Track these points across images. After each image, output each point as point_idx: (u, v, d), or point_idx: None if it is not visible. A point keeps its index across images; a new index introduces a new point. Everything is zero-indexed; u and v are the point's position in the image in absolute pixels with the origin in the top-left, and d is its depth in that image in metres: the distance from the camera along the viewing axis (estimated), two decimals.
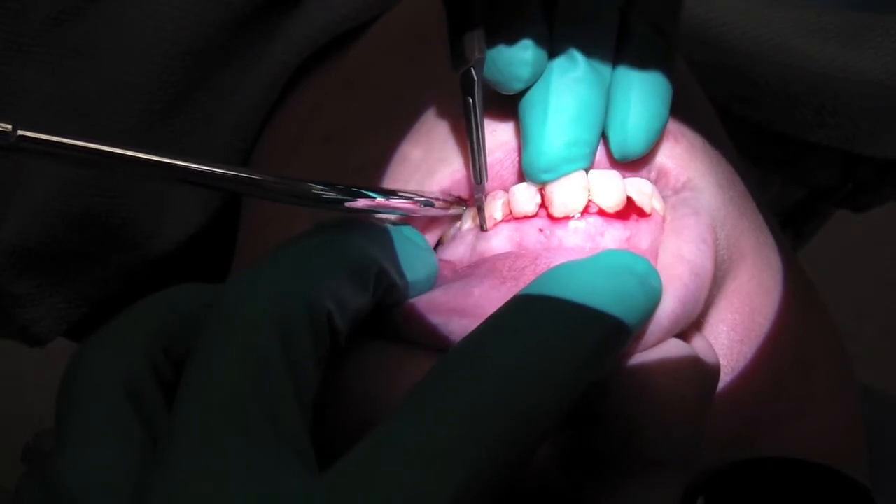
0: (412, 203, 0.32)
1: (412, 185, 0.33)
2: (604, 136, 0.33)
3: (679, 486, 0.29)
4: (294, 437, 0.24)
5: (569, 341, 0.25)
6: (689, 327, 0.31)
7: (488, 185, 0.33)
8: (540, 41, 0.32)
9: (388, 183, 0.34)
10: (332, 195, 0.29)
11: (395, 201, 0.31)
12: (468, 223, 0.34)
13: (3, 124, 0.25)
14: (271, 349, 0.24)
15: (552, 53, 0.32)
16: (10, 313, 0.45)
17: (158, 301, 0.28)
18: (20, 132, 0.25)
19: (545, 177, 0.32)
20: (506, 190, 0.33)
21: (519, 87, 0.32)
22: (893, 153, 0.49)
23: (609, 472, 0.29)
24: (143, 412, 0.26)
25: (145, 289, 0.44)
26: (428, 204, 0.32)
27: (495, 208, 0.33)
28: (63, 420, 0.25)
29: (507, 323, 0.26)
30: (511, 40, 0.31)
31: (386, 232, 0.30)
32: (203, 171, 0.27)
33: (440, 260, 0.34)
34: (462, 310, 0.30)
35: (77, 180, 0.43)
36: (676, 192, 0.34)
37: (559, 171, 0.32)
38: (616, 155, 0.33)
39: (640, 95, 0.32)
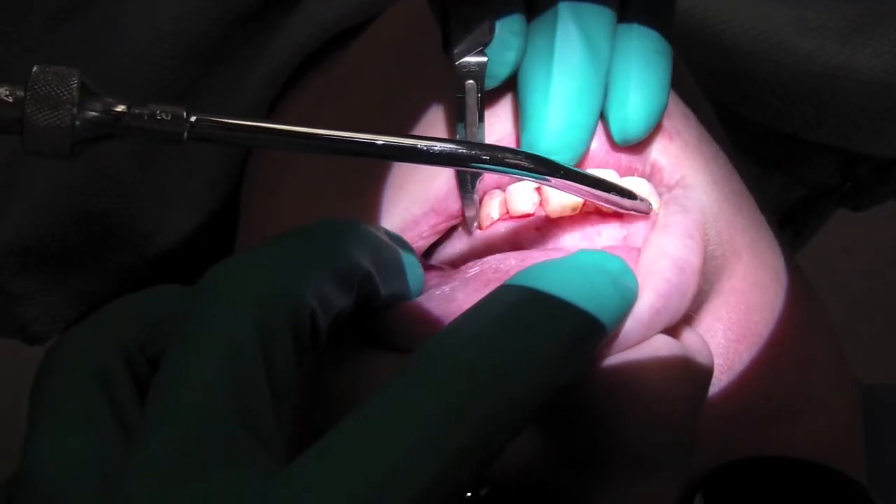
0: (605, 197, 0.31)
1: (409, 190, 0.33)
2: (602, 124, 0.33)
3: (674, 484, 0.29)
4: (265, 433, 0.24)
5: (539, 337, 0.25)
6: (682, 324, 0.31)
7: (485, 183, 0.33)
8: (520, 39, 0.32)
9: (385, 189, 0.34)
10: (525, 164, 0.30)
11: (590, 191, 0.31)
12: None
13: (176, 109, 0.27)
14: (248, 344, 0.24)
15: (552, 34, 0.32)
16: (9, 311, 0.45)
17: (136, 299, 0.28)
18: (193, 117, 0.27)
19: None
20: (503, 189, 0.33)
21: (493, 84, 0.32)
22: (893, 152, 0.49)
23: (598, 470, 0.29)
24: (113, 403, 0.25)
25: (143, 288, 0.45)
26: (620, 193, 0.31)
27: (492, 207, 0.33)
28: (34, 408, 0.26)
29: (475, 320, 0.25)
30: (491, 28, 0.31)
31: (373, 237, 0.30)
32: (359, 141, 0.29)
33: (431, 267, 0.34)
34: (446, 317, 0.30)
35: (77, 180, 0.43)
36: (670, 189, 0.34)
37: (559, 157, 0.32)
38: (616, 138, 0.32)
39: (639, 78, 0.32)
